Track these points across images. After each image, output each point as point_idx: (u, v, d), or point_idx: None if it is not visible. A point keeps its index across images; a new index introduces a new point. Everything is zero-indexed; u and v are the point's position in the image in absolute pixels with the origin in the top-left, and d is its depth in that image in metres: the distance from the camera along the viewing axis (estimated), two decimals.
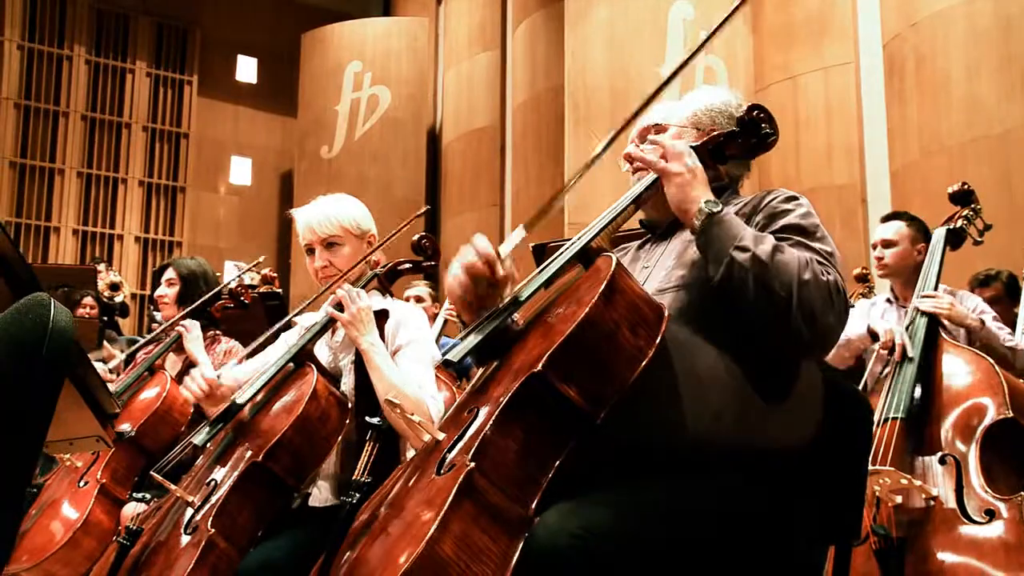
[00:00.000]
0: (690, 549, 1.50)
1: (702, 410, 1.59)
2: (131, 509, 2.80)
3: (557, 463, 1.37)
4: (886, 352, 3.13)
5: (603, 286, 1.42)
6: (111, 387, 3.32)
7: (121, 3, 11.24)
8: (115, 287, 7.81)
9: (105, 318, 6.84)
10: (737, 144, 1.79)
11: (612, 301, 1.43)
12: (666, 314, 1.48)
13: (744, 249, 1.60)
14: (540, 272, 1.65)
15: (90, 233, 10.87)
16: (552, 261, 1.65)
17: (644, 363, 1.42)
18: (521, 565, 1.27)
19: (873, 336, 3.26)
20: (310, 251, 2.58)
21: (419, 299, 5.48)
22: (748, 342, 1.64)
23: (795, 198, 1.80)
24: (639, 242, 2.04)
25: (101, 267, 8.13)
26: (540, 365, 1.37)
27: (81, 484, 3.05)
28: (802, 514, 1.68)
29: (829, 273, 1.62)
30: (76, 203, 10.80)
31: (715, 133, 1.81)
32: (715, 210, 1.66)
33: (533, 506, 1.33)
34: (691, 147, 1.77)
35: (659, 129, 1.97)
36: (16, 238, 10.36)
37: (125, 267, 10.65)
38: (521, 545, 1.28)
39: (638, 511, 1.46)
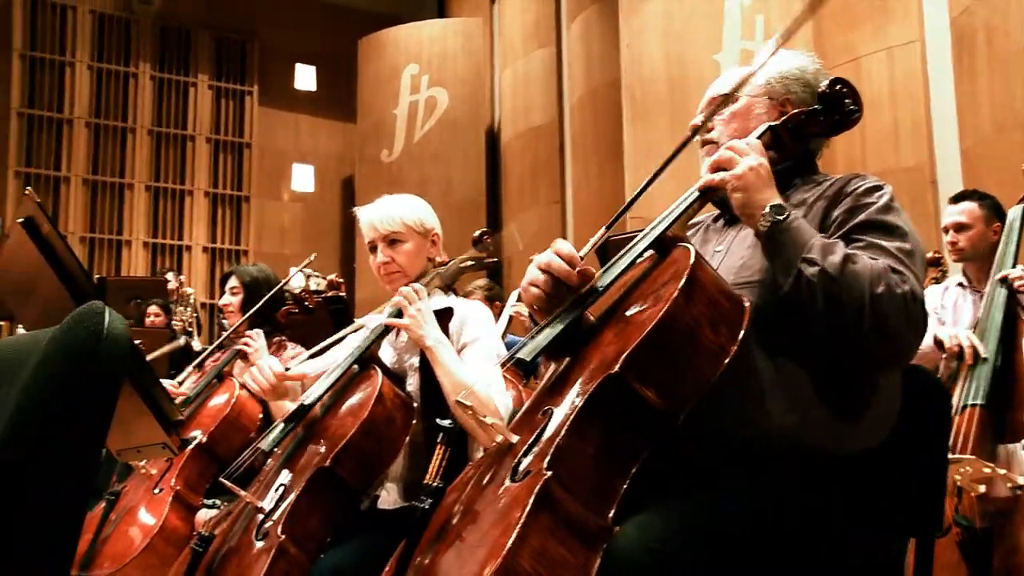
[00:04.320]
0: (768, 553, 1.44)
1: (780, 409, 1.53)
2: (204, 515, 2.82)
3: (635, 469, 1.31)
4: (954, 361, 2.99)
5: (683, 281, 1.35)
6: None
7: (182, 19, 11.44)
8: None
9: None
10: (818, 122, 1.69)
11: (692, 297, 1.36)
12: (747, 307, 1.41)
13: (812, 262, 1.51)
14: (615, 263, 1.58)
15: (159, 245, 11.08)
16: (627, 251, 1.58)
17: (727, 362, 1.35)
18: None
19: (939, 346, 3.12)
20: (372, 248, 2.57)
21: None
22: (824, 347, 1.56)
23: (878, 188, 1.70)
24: (712, 217, 1.95)
25: (170, 276, 8.28)
26: (618, 366, 1.31)
27: (156, 491, 3.09)
28: (881, 507, 1.61)
29: (905, 283, 1.52)
30: (145, 216, 11.01)
31: (795, 111, 1.71)
32: (780, 217, 1.56)
33: (611, 515, 1.27)
34: (770, 126, 1.68)
35: (728, 99, 1.87)
36: (91, 252, 10.64)
37: (194, 277, 10.84)
38: (600, 557, 1.22)
39: (716, 519, 1.40)
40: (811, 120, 1.69)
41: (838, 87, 1.67)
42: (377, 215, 2.54)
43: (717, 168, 1.64)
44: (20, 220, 1.47)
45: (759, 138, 1.69)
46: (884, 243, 1.59)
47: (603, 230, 1.67)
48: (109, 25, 11.08)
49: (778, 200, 1.59)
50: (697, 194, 1.67)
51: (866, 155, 6.53)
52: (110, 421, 0.95)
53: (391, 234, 2.52)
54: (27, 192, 1.46)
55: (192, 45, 11.49)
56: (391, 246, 2.53)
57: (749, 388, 1.51)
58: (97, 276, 8.81)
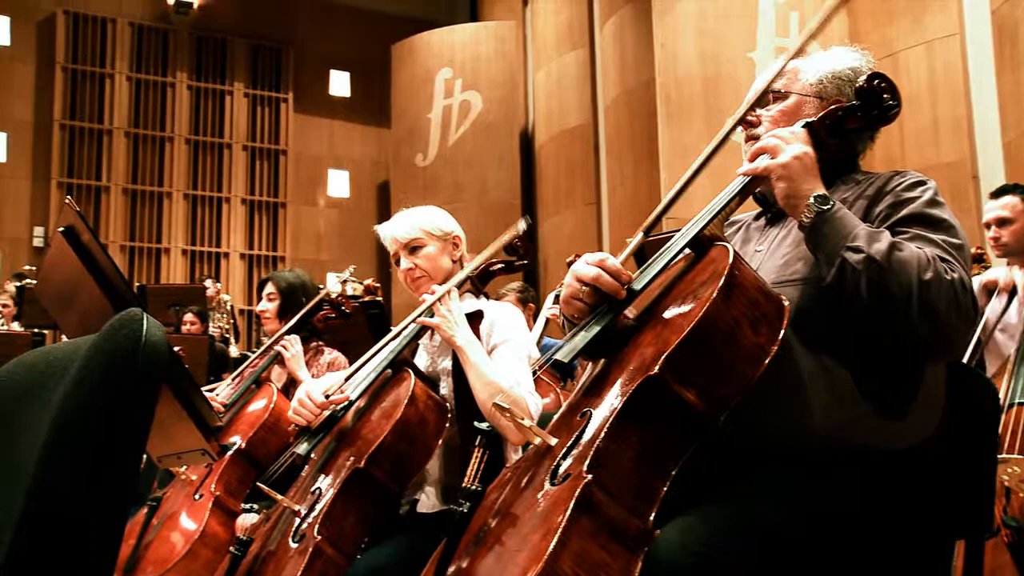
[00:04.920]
0: (814, 554, 1.42)
1: (823, 408, 1.50)
2: (245, 520, 2.83)
3: (675, 471, 1.30)
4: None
5: (721, 281, 1.34)
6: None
7: (218, 28, 11.58)
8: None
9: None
10: (857, 118, 1.65)
11: (731, 297, 1.34)
12: (786, 306, 1.38)
13: (857, 250, 1.47)
14: (652, 263, 1.56)
15: (197, 252, 11.23)
16: (664, 251, 1.56)
17: (767, 361, 1.33)
18: None
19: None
20: (397, 261, 2.62)
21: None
22: (870, 342, 1.53)
23: (922, 183, 1.66)
24: (752, 216, 1.92)
25: (208, 283, 8.36)
26: (657, 367, 1.30)
27: (197, 497, 3.11)
28: (927, 508, 1.58)
29: (954, 270, 1.48)
30: (184, 224, 11.17)
31: (832, 107, 1.67)
32: (824, 207, 1.53)
33: (652, 518, 1.26)
34: (806, 123, 1.64)
35: (778, 96, 1.83)
36: (131, 261, 10.79)
37: (232, 284, 10.95)
38: (641, 560, 1.21)
39: (760, 521, 1.38)
40: (849, 116, 1.65)
41: (875, 82, 1.63)
42: (396, 227, 2.61)
43: (760, 154, 1.61)
44: (61, 229, 1.48)
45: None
46: (930, 235, 1.56)
47: (640, 235, 1.65)
48: (147, 36, 11.26)
49: (822, 191, 1.56)
50: (738, 187, 1.63)
51: (905, 151, 6.45)
52: (149, 427, 0.96)
53: (411, 241, 2.58)
54: (67, 201, 1.48)
55: (228, 54, 11.65)
56: (413, 253, 2.59)
57: (791, 387, 1.49)
58: (137, 284, 8.93)
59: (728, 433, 1.34)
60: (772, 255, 1.72)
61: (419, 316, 2.42)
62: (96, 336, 1.00)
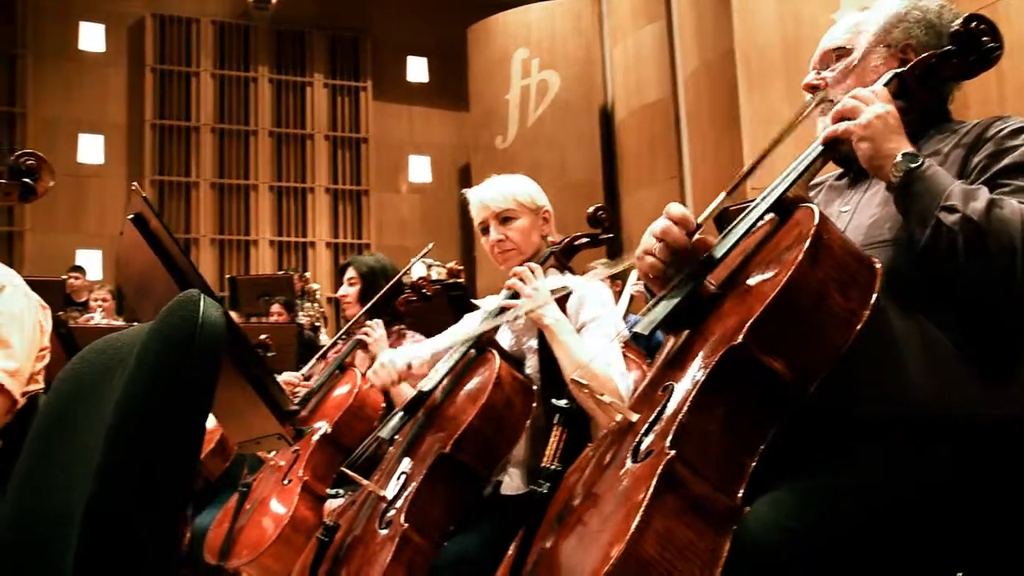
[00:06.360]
0: (908, 530, 1.33)
1: (920, 376, 1.41)
2: (332, 504, 2.85)
3: (763, 445, 1.23)
4: None
5: (807, 244, 1.26)
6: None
7: (296, 21, 11.73)
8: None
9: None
10: (951, 65, 1.52)
11: (818, 260, 1.26)
12: (878, 268, 1.30)
13: (952, 209, 1.37)
14: (732, 229, 1.48)
15: (284, 243, 11.43)
16: (745, 216, 1.48)
17: (858, 327, 1.25)
18: (731, 560, 1.14)
19: None
20: (484, 230, 2.56)
21: None
22: (968, 305, 1.43)
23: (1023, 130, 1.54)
24: (835, 175, 1.83)
25: (294, 275, 8.47)
26: (741, 336, 1.23)
27: (285, 482, 3.14)
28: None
29: None
30: (270, 215, 11.38)
31: (925, 55, 1.55)
32: (914, 165, 1.42)
33: (740, 495, 1.19)
34: (896, 74, 1.53)
35: (841, 53, 1.73)
36: (220, 253, 11.06)
37: (318, 272, 11.11)
38: (730, 539, 1.15)
39: (854, 496, 1.30)
40: (943, 63, 1.53)
41: (974, 24, 1.50)
42: (488, 194, 2.54)
43: (840, 118, 1.52)
44: (131, 216, 1.48)
45: (885, 86, 1.56)
46: None
47: (723, 195, 1.58)
48: (229, 33, 11.48)
49: (909, 148, 1.46)
50: (820, 149, 1.54)
51: (1004, 105, 6.14)
52: (209, 407, 0.94)
53: (503, 212, 2.51)
54: (134, 187, 1.47)
55: (306, 46, 11.80)
56: (504, 224, 2.52)
57: (885, 355, 1.40)
58: (228, 276, 9.12)
59: (820, 405, 1.26)
60: (858, 214, 1.62)
61: (504, 297, 2.39)
62: (155, 319, 0.98)
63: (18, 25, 10.53)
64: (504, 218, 2.51)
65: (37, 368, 2.06)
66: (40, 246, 10.20)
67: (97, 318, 7.41)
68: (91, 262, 9.96)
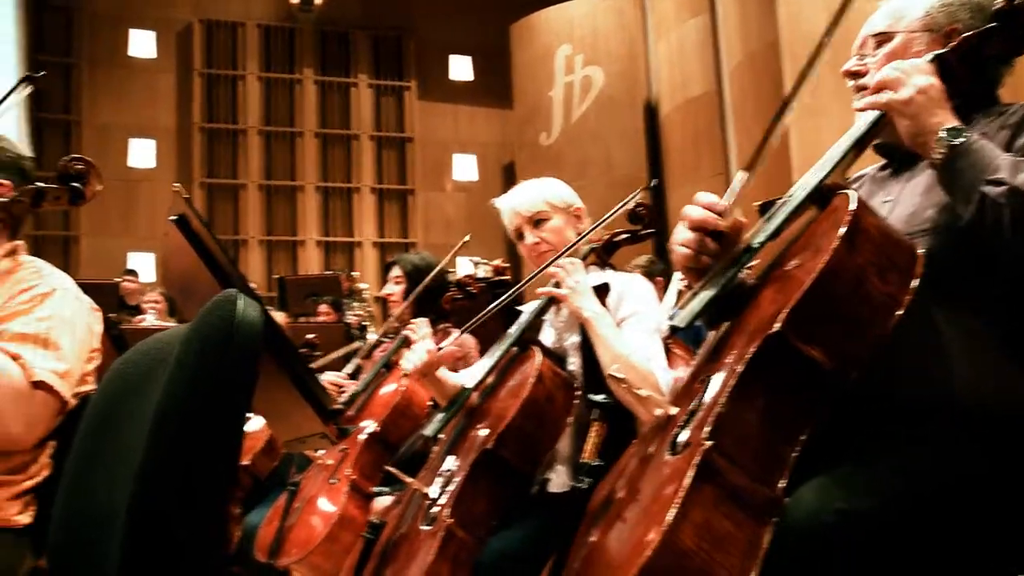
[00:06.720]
0: (959, 518, 1.30)
1: (964, 364, 1.38)
2: (377, 504, 2.86)
3: (804, 435, 1.21)
4: None
5: (845, 228, 1.23)
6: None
7: (340, 22, 11.82)
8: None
9: None
10: (995, 43, 1.46)
11: (856, 244, 1.24)
12: (920, 253, 1.27)
13: (998, 182, 1.31)
14: (770, 218, 1.46)
15: (331, 243, 11.53)
16: (782, 205, 1.45)
17: (899, 313, 1.22)
18: (780, 549, 1.13)
19: None
20: (519, 236, 2.57)
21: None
22: (1015, 292, 1.39)
23: None
24: (876, 168, 1.78)
25: (342, 276, 8.53)
26: (778, 324, 1.21)
27: (333, 481, 3.17)
28: None
29: None
30: (316, 216, 11.48)
31: (967, 35, 1.49)
32: (958, 140, 1.37)
33: (781, 486, 1.18)
34: (936, 55, 1.48)
35: (883, 39, 1.69)
36: (268, 254, 11.19)
37: (365, 272, 11.19)
38: (770, 530, 1.13)
39: (898, 479, 1.27)
40: (985, 41, 1.46)
41: (1019, 0, 1.43)
42: (518, 200, 2.56)
43: (881, 88, 1.47)
44: (173, 218, 1.50)
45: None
46: None
47: (743, 174, 1.57)
48: (274, 36, 11.61)
49: (954, 122, 1.40)
50: (857, 133, 1.50)
51: None
52: (248, 406, 0.95)
53: (536, 215, 2.53)
54: (176, 188, 1.49)
55: (350, 47, 11.89)
56: (537, 227, 2.53)
57: (927, 342, 1.37)
58: (276, 276, 9.21)
59: (860, 391, 1.24)
60: (901, 204, 1.58)
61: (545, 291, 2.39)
62: (194, 319, 1.00)
63: (74, 35, 10.77)
64: (537, 221, 2.53)
65: (88, 369, 2.10)
66: (94, 250, 10.42)
67: (150, 319, 7.53)
68: (144, 265, 10.14)
